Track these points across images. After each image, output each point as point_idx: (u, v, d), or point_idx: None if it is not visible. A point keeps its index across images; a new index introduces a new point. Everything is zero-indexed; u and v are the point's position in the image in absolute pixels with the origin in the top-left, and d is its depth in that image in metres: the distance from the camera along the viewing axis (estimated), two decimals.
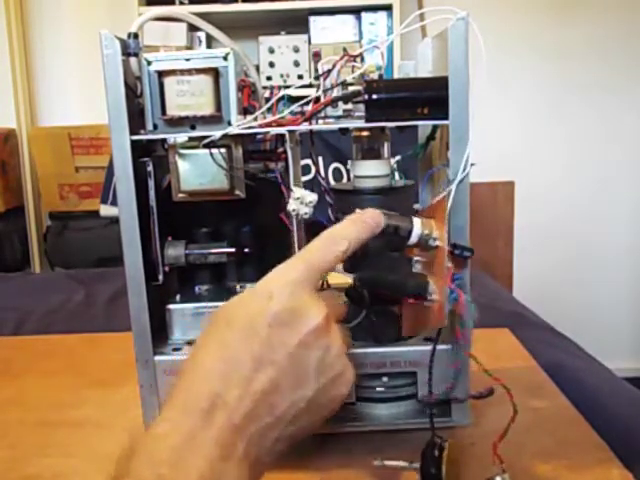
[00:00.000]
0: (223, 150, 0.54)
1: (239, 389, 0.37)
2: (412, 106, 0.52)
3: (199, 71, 0.52)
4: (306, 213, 0.53)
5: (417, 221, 0.48)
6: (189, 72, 0.52)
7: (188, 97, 0.52)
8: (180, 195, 0.56)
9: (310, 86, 0.59)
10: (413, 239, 0.48)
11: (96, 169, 2.16)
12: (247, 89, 0.55)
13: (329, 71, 0.53)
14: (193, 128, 0.53)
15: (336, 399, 0.41)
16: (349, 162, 0.63)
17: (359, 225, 0.46)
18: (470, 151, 0.51)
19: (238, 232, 0.61)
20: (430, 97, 0.52)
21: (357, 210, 0.48)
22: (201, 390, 0.38)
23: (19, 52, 2.30)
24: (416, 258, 0.50)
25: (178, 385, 0.39)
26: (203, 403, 0.37)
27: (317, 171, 0.62)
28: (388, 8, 2.01)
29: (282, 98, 0.53)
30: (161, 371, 0.56)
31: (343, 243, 0.44)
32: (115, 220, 0.55)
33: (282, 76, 2.06)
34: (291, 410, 0.39)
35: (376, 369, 0.56)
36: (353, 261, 0.49)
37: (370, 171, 0.59)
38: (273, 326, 0.39)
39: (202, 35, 2.04)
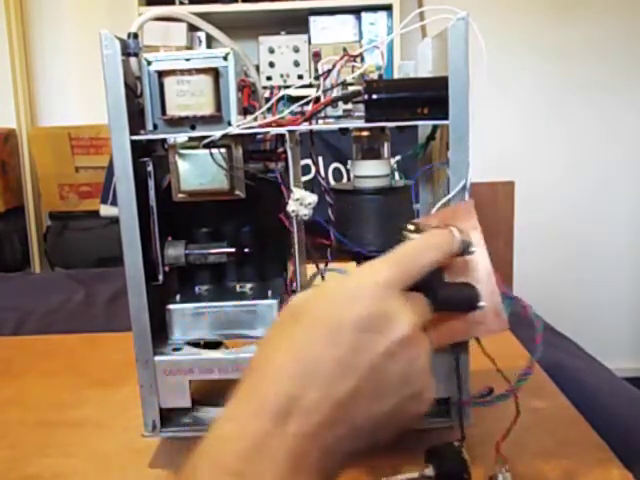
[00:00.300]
0: (223, 150, 0.54)
1: (317, 393, 0.34)
2: (412, 106, 0.52)
3: (199, 71, 0.52)
4: (305, 214, 0.53)
5: (454, 229, 0.45)
6: (189, 72, 0.52)
7: (188, 97, 0.52)
8: (180, 195, 0.56)
9: (310, 86, 0.59)
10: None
11: (96, 169, 2.16)
12: (247, 89, 0.55)
13: (329, 71, 0.53)
14: (193, 128, 0.53)
15: (412, 416, 0.38)
16: (349, 162, 0.63)
17: (448, 239, 0.43)
18: (472, 153, 0.51)
19: (238, 232, 0.61)
20: (430, 97, 0.52)
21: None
22: (272, 390, 0.34)
23: (19, 52, 2.30)
24: None
25: (246, 382, 0.36)
26: (275, 405, 0.33)
27: (317, 171, 0.62)
28: (388, 8, 2.01)
29: (282, 98, 0.53)
30: (161, 371, 0.56)
31: (436, 253, 0.41)
32: (115, 220, 0.55)
33: (282, 76, 2.06)
34: (367, 422, 0.35)
35: None
36: None
37: (370, 171, 0.59)
38: (359, 330, 0.35)
39: (202, 35, 2.04)
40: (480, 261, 0.46)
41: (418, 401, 0.37)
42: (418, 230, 0.45)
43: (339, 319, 0.36)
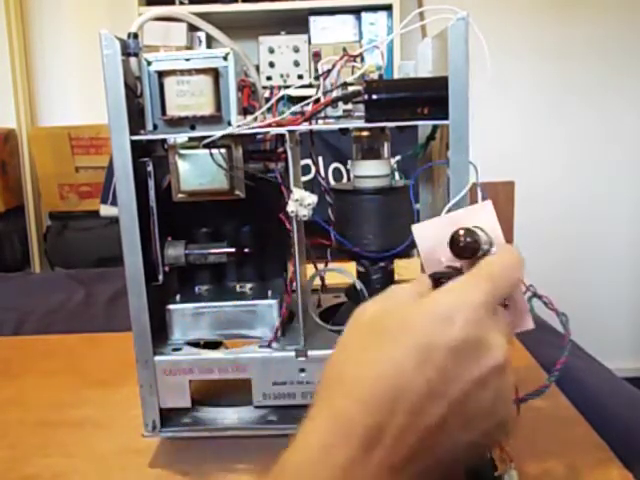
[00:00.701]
0: (223, 150, 0.54)
1: (405, 420, 0.32)
2: (412, 106, 0.52)
3: (199, 71, 0.52)
4: (305, 215, 0.53)
5: (477, 230, 0.44)
6: (189, 72, 0.52)
7: (188, 97, 0.52)
8: (180, 195, 0.56)
9: (310, 86, 0.59)
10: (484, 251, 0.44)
11: (96, 169, 2.16)
12: (247, 89, 0.55)
13: (329, 71, 0.53)
14: (193, 128, 0.53)
15: (492, 445, 0.37)
16: (349, 162, 0.63)
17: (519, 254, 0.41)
18: (472, 153, 0.51)
19: (238, 232, 0.61)
20: (430, 97, 0.52)
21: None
22: (360, 414, 0.33)
23: (19, 52, 2.30)
24: (448, 264, 0.45)
25: (328, 397, 0.35)
26: (359, 433, 0.32)
27: (317, 171, 0.62)
28: (388, 8, 2.01)
29: (282, 98, 0.53)
30: (161, 371, 0.56)
31: (521, 271, 0.40)
32: (115, 220, 0.55)
33: (282, 76, 2.06)
34: (451, 452, 0.34)
35: None
36: None
37: (370, 171, 0.59)
38: (453, 354, 0.33)
39: (202, 35, 2.05)
40: None
41: (501, 430, 0.36)
42: (470, 234, 0.44)
43: (431, 340, 0.34)
